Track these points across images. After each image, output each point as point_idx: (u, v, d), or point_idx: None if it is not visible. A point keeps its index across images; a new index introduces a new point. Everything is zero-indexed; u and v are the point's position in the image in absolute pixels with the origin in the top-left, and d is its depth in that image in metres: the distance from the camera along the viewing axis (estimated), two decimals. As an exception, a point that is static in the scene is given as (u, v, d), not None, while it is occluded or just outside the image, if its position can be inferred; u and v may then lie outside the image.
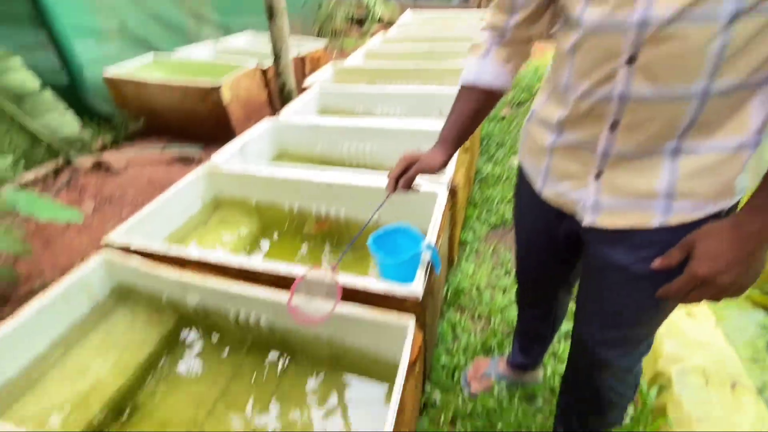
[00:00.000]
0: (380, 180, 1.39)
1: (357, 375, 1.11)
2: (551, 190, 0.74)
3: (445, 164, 0.85)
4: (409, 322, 0.90)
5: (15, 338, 0.98)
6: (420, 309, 0.94)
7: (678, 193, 0.57)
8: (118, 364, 1.12)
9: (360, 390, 1.10)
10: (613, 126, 0.58)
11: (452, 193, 1.30)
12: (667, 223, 0.60)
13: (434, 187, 1.30)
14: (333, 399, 1.08)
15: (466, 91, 0.80)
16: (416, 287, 0.94)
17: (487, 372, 1.27)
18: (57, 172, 2.58)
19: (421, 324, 0.95)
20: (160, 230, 1.40)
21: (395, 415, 0.74)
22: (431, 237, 1.08)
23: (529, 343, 1.18)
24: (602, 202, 0.64)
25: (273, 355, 1.18)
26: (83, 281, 1.14)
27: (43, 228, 2.06)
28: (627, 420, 1.13)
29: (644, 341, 0.75)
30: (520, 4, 0.69)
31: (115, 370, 1.11)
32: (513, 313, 1.49)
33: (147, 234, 1.32)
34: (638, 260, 0.64)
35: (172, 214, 1.45)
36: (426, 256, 1.02)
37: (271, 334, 1.13)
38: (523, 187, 0.85)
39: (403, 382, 0.78)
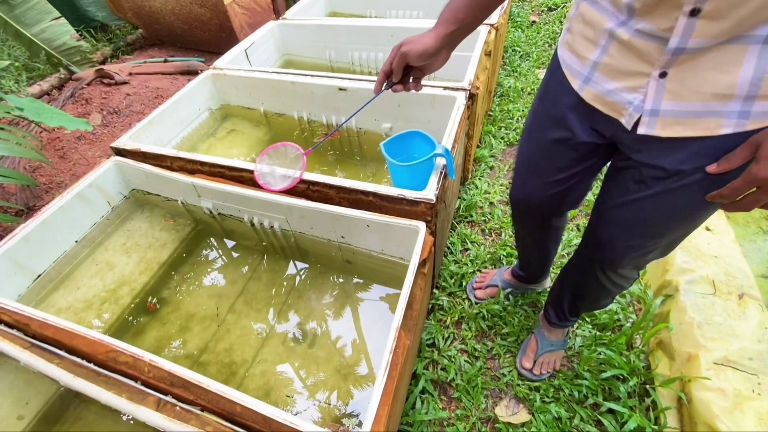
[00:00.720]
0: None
1: (368, 279, 1.16)
2: (596, 89, 0.63)
3: (436, 50, 0.71)
4: (420, 225, 0.90)
5: (41, 234, 1.02)
6: (432, 214, 0.93)
7: (761, 93, 0.49)
8: (142, 263, 1.18)
9: (371, 292, 1.15)
10: (694, 12, 0.48)
11: (471, 98, 1.22)
12: (740, 130, 0.52)
13: (452, 91, 1.21)
14: (345, 299, 1.14)
15: None
16: (429, 192, 0.92)
17: (492, 281, 1.31)
18: (60, 87, 2.51)
19: (432, 229, 0.94)
20: (168, 138, 1.38)
21: (404, 308, 0.77)
22: (447, 141, 1.03)
23: (529, 262, 1.17)
24: (663, 108, 0.56)
25: (288, 258, 1.22)
26: (98, 184, 1.15)
27: (56, 141, 2.06)
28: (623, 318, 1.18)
29: (668, 249, 0.74)
30: None
31: (140, 268, 1.17)
32: (524, 227, 1.49)
33: (155, 142, 1.30)
34: (690, 168, 0.58)
35: (180, 121, 1.42)
36: (440, 161, 0.99)
37: (285, 238, 1.15)
38: (554, 83, 0.73)
39: (413, 278, 0.80)
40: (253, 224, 1.14)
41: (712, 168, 0.56)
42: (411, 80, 0.80)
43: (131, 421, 0.89)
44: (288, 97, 1.44)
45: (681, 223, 0.66)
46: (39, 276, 1.06)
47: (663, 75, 0.54)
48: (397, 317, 0.75)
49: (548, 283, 1.30)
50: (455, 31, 0.71)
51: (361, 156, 1.49)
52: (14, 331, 0.81)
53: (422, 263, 0.87)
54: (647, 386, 1.05)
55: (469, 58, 1.36)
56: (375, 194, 0.95)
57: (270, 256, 1.23)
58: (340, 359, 1.03)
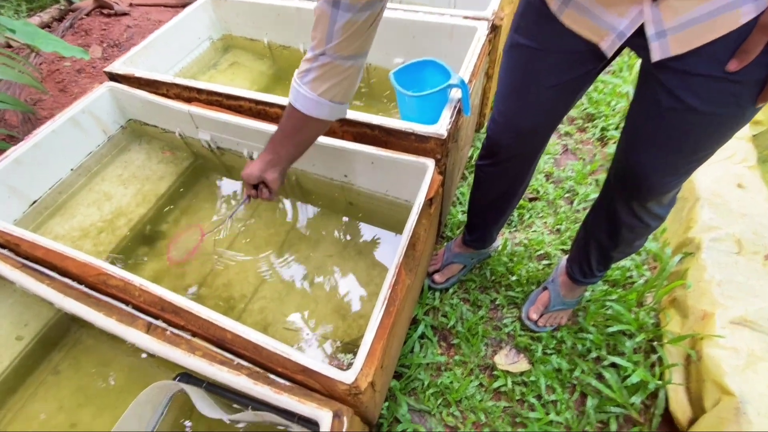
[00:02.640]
0: (415, 14, 1.18)
1: (372, 222, 1.11)
2: (577, 12, 0.59)
3: (260, 174, 0.76)
4: (429, 162, 0.83)
5: (34, 158, 0.99)
6: (442, 152, 0.86)
7: None
8: (139, 195, 1.14)
9: (373, 236, 1.10)
10: None
11: (493, 30, 1.10)
12: (762, 9, 0.47)
13: (473, 21, 1.09)
14: (347, 242, 1.10)
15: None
16: (440, 126, 0.84)
17: (446, 260, 1.17)
18: (61, 19, 2.40)
19: (441, 169, 0.88)
20: (165, 67, 1.30)
21: (406, 245, 0.73)
22: (464, 75, 0.93)
23: (487, 219, 1.05)
24: (668, 26, 0.52)
25: (288, 198, 1.18)
26: (92, 111, 1.09)
27: (56, 74, 1.99)
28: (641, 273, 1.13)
29: (700, 164, 0.68)
30: None
31: (137, 200, 1.14)
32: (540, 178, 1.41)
33: (151, 69, 1.22)
34: (720, 73, 0.52)
35: (178, 49, 1.33)
36: (455, 93, 0.90)
37: (287, 176, 1.10)
38: (530, 11, 0.67)
39: (417, 217, 0.75)
40: (252, 159, 1.08)
41: (732, 66, 0.51)
42: (263, 191, 0.81)
43: (130, 347, 0.90)
44: (294, 26, 1.33)
45: (716, 134, 0.61)
46: (34, 202, 1.03)
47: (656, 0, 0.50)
48: (399, 253, 0.70)
49: (498, 243, 1.23)
50: (273, 159, 0.75)
51: (369, 93, 1.40)
52: (5, 251, 0.79)
53: (428, 203, 0.81)
54: (654, 343, 1.02)
55: (494, -13, 1.22)
56: (381, 128, 0.88)
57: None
58: (339, 300, 1.01)
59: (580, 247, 0.97)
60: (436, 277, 1.16)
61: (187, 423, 0.83)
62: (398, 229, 1.10)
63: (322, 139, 0.91)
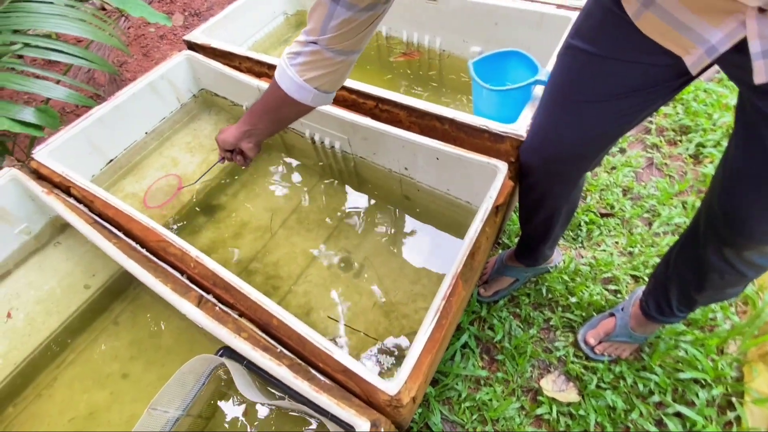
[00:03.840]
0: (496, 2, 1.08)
1: (427, 220, 1.06)
2: (660, 17, 0.47)
3: (235, 142, 0.77)
4: (501, 165, 0.76)
5: (114, 119, 1.04)
6: (518, 154, 0.78)
7: None
8: (204, 164, 1.18)
9: (427, 234, 1.05)
10: None
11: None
12: None
13: (567, 11, 0.98)
14: (398, 236, 1.06)
15: None
16: (520, 126, 0.76)
17: (496, 272, 1.09)
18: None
19: (514, 173, 0.80)
20: (240, 39, 1.31)
21: (466, 255, 0.67)
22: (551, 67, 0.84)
23: (538, 235, 0.92)
24: None
25: (344, 184, 1.15)
26: (169, 77, 1.13)
27: (141, 39, 2.11)
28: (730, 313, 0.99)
29: None
30: None
31: (201, 168, 1.17)
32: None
33: (227, 41, 1.23)
34: None
35: (254, 22, 1.33)
36: (539, 90, 0.81)
37: (345, 162, 1.08)
38: (597, 9, 0.56)
39: (482, 224, 0.69)
40: (313, 141, 1.07)
41: None
42: (237, 157, 0.82)
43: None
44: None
45: None
46: (111, 161, 1.09)
47: (763, 10, 0.39)
48: (458, 263, 0.65)
49: (559, 258, 1.12)
50: (250, 131, 0.75)
51: (439, 82, 1.32)
52: (81, 206, 0.84)
53: (494, 210, 0.75)
54: (733, 399, 0.89)
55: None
56: (452, 121, 0.81)
57: (327, 179, 1.17)
58: (384, 295, 0.98)
59: (659, 282, 0.84)
60: (482, 290, 1.08)
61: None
62: (453, 230, 1.04)
63: (387, 128, 0.87)
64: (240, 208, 1.14)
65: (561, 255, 1.16)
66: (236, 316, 0.66)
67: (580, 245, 1.21)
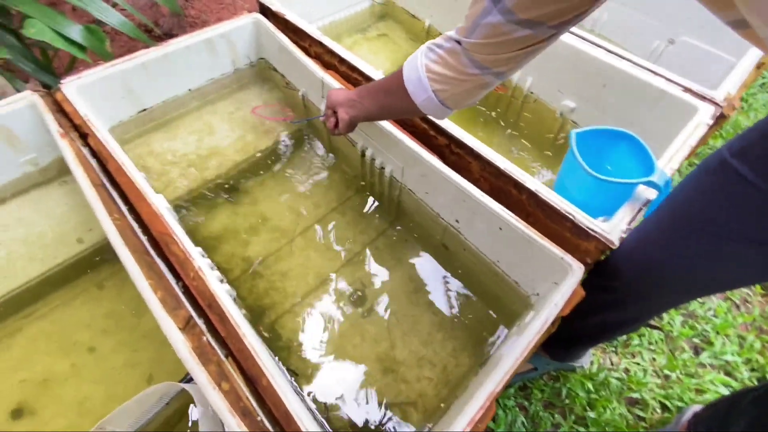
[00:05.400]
0: (614, 57, 0.94)
1: (461, 279, 0.93)
2: None
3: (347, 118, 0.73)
4: (576, 266, 0.63)
5: (159, 67, 0.93)
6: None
7: None
8: (240, 141, 1.07)
9: (457, 294, 0.93)
10: None
11: (719, 119, 0.83)
12: None
13: (693, 97, 0.83)
14: (424, 286, 0.94)
15: None
16: (614, 227, 0.63)
17: None
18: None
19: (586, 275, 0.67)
20: (317, 16, 1.19)
21: (506, 374, 0.55)
22: (665, 167, 0.70)
23: (584, 335, 0.84)
24: None
25: (382, 208, 1.03)
26: (230, 38, 1.01)
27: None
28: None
29: None
30: None
31: (236, 146, 1.06)
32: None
33: (302, 14, 1.11)
34: None
35: (336, 0, 1.20)
36: (645, 192, 0.67)
37: (390, 187, 0.96)
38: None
39: (535, 341, 0.56)
40: (363, 155, 0.95)
41: None
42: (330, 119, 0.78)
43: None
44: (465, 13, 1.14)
45: None
46: (144, 110, 0.99)
47: None
48: (493, 381, 0.53)
49: (588, 359, 1.00)
50: (355, 102, 0.72)
51: (515, 127, 1.18)
52: (94, 162, 0.74)
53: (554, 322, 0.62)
54: None
55: (732, 65, 0.93)
56: (533, 195, 0.68)
57: (363, 196, 1.05)
58: (389, 348, 0.87)
59: (721, 415, 0.73)
60: None
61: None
62: (487, 300, 0.91)
63: (453, 175, 0.74)
64: (264, 200, 1.04)
65: (591, 355, 1.03)
66: (222, 356, 0.56)
67: (614, 350, 1.08)
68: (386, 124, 0.82)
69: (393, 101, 0.64)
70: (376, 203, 1.03)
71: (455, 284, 0.94)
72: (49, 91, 0.83)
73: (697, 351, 1.08)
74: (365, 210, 1.03)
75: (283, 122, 1.10)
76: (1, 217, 0.87)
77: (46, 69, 1.13)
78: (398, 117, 0.73)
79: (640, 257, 0.58)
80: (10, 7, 1.03)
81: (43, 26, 1.01)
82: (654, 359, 1.06)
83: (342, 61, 0.91)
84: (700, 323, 1.12)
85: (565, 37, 0.97)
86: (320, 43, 0.94)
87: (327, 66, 0.94)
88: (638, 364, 1.05)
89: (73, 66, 1.27)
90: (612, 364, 1.04)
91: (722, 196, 0.48)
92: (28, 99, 0.80)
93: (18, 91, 1.02)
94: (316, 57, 0.97)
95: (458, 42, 0.52)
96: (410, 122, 0.84)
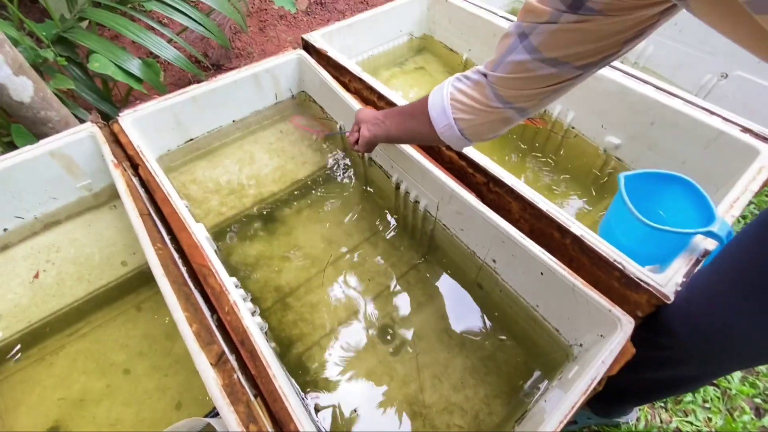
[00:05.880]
0: (664, 95, 0.90)
1: (495, 321, 0.89)
2: None
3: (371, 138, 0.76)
4: (626, 320, 0.59)
5: (208, 100, 0.98)
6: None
7: None
8: (278, 171, 1.10)
9: (491, 336, 0.89)
10: None
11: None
12: None
13: (753, 138, 0.77)
14: (456, 326, 0.91)
15: None
16: (668, 279, 0.58)
17: None
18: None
19: (634, 335, 0.62)
20: (357, 51, 1.23)
21: None
22: (728, 213, 0.65)
23: (628, 393, 0.78)
24: None
25: (414, 242, 1.02)
26: (275, 73, 1.06)
27: (261, 13, 2.12)
28: None
29: None
30: None
31: (275, 175, 1.09)
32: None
33: (343, 49, 1.15)
34: None
35: (376, 36, 1.24)
36: (702, 242, 0.62)
37: (424, 222, 0.94)
38: None
39: (579, 403, 0.52)
40: (398, 188, 0.95)
41: None
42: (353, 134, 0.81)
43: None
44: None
45: None
46: (191, 140, 1.04)
47: None
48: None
49: (634, 415, 0.91)
50: (379, 122, 0.75)
51: (554, 163, 1.14)
52: (143, 191, 0.78)
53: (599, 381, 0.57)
54: None
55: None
56: (578, 240, 0.65)
57: (396, 229, 1.04)
58: (418, 390, 0.83)
59: None
60: None
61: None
62: (523, 345, 0.86)
63: (491, 215, 0.72)
64: (298, 228, 1.05)
65: (637, 411, 0.94)
66: (251, 397, 0.55)
67: (663, 406, 0.98)
68: (423, 159, 0.81)
69: (415, 125, 0.65)
70: (409, 236, 1.02)
71: (489, 325, 0.90)
72: (107, 123, 0.89)
73: (759, 413, 0.97)
74: (397, 243, 1.02)
75: (320, 154, 1.13)
76: (56, 239, 0.93)
77: (106, 99, 1.22)
78: (418, 143, 0.75)
79: (700, 317, 0.53)
80: (77, 42, 1.12)
81: (106, 61, 1.10)
82: (709, 419, 0.96)
83: (380, 96, 0.93)
84: (762, 381, 1.01)
85: (610, 72, 0.94)
86: (360, 79, 0.96)
87: (366, 101, 0.96)
88: (691, 423, 0.95)
89: (129, 95, 1.37)
90: (661, 421, 0.95)
91: None
92: (89, 130, 0.85)
93: (79, 119, 1.10)
94: (355, 92, 0.99)
95: (485, 75, 0.53)
96: (447, 158, 0.83)
